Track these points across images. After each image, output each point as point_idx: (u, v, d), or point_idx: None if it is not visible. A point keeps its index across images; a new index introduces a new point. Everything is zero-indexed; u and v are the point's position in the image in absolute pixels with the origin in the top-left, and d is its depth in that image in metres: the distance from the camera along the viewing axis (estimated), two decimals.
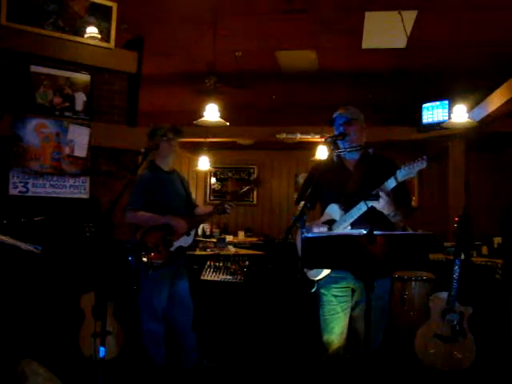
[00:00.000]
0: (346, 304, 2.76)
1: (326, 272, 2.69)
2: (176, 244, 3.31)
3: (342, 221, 2.66)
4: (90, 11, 4.45)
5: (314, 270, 2.69)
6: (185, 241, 3.36)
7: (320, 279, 2.72)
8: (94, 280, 3.66)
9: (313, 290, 2.74)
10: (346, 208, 2.65)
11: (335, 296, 2.75)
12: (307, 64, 5.89)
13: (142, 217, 3.27)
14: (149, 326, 3.31)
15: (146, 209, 3.28)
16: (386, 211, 2.55)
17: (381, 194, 2.49)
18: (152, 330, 3.31)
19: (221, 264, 5.29)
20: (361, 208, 2.58)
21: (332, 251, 2.18)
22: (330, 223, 2.71)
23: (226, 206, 3.44)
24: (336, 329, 2.75)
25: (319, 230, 2.70)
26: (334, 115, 2.86)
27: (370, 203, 2.54)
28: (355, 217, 2.60)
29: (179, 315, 3.43)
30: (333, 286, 2.75)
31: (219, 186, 10.22)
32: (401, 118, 7.28)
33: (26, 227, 3.81)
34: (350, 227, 2.63)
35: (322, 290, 2.78)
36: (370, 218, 2.52)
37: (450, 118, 5.59)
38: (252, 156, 9.95)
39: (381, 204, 2.50)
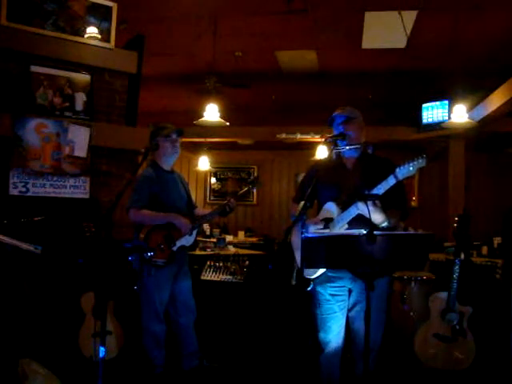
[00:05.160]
0: (343, 303, 2.76)
1: (321, 270, 2.69)
2: (178, 243, 3.31)
3: (339, 219, 2.65)
4: (90, 11, 4.45)
5: (310, 269, 2.69)
6: (187, 240, 3.36)
7: (316, 278, 2.72)
8: (94, 280, 3.66)
9: (309, 289, 2.74)
10: (344, 207, 2.65)
11: (332, 295, 2.75)
12: (307, 64, 5.89)
13: (146, 215, 3.26)
14: (150, 325, 3.31)
15: (149, 207, 3.28)
16: (374, 221, 2.53)
17: (368, 204, 2.44)
18: (153, 330, 3.31)
19: (221, 264, 5.29)
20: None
21: (332, 251, 2.18)
22: (327, 221, 2.70)
23: (226, 207, 3.44)
24: (333, 328, 2.75)
25: (316, 229, 2.70)
26: (333, 115, 2.86)
27: (358, 211, 2.54)
28: (353, 215, 2.59)
29: (181, 315, 3.42)
30: (329, 285, 2.75)
31: (219, 186, 10.23)
32: (401, 118, 7.29)
33: (26, 227, 3.81)
34: (347, 226, 2.63)
35: (319, 289, 2.78)
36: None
37: (449, 118, 5.59)
38: (252, 156, 9.95)
39: (364, 212, 2.46)
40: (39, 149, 4.18)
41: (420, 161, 2.44)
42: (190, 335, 3.45)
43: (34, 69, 4.21)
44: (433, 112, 6.76)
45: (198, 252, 5.69)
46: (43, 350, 3.42)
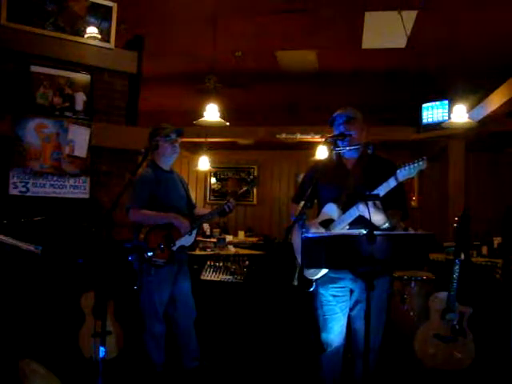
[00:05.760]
0: (344, 304, 2.76)
1: (323, 271, 2.69)
2: (178, 243, 3.31)
3: (340, 221, 2.65)
4: (90, 11, 4.45)
5: (312, 269, 2.69)
6: (186, 240, 3.36)
7: (317, 278, 2.72)
8: (94, 280, 3.66)
9: (311, 290, 2.74)
10: (345, 207, 2.64)
11: (334, 296, 2.75)
12: (307, 64, 5.89)
13: (146, 215, 3.26)
14: (150, 325, 3.31)
15: (149, 207, 3.28)
16: (375, 222, 2.53)
17: (369, 205, 2.43)
18: (153, 330, 3.31)
19: (221, 264, 5.29)
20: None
21: (332, 251, 2.18)
22: (328, 222, 2.70)
23: (225, 206, 3.45)
24: (335, 328, 2.75)
25: (317, 230, 2.70)
26: (334, 115, 2.86)
27: (358, 213, 2.54)
28: (354, 217, 2.59)
29: (181, 315, 3.42)
30: (331, 285, 2.75)
31: (219, 186, 10.22)
32: (401, 118, 7.29)
33: (26, 227, 3.81)
34: (348, 227, 2.63)
35: (321, 290, 2.78)
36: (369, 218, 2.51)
37: (449, 118, 5.59)
38: (252, 156, 9.95)
39: (365, 213, 2.45)
40: (39, 149, 4.18)
41: (420, 163, 2.45)
42: (190, 335, 3.45)
43: (34, 69, 4.21)
44: (433, 112, 6.76)
45: (198, 252, 5.69)
46: (43, 349, 3.42)
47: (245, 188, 3.75)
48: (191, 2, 4.46)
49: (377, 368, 2.79)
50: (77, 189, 4.34)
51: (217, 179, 10.22)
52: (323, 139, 7.03)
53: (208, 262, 5.31)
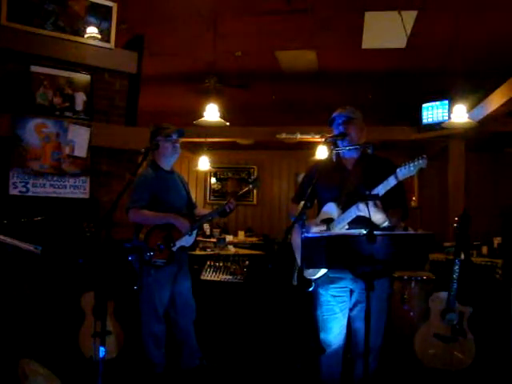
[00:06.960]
0: (344, 304, 2.76)
1: (323, 271, 2.69)
2: (178, 244, 3.31)
3: (340, 220, 2.65)
4: (90, 11, 4.45)
5: (311, 269, 2.69)
6: (187, 240, 3.36)
7: (317, 278, 2.72)
8: (94, 280, 3.66)
9: (310, 289, 2.74)
10: (344, 207, 2.65)
11: (333, 296, 2.75)
12: (307, 64, 5.89)
13: (146, 215, 3.26)
14: (150, 325, 3.31)
15: (149, 207, 3.28)
16: (375, 221, 2.53)
17: (369, 204, 2.44)
18: (153, 330, 3.31)
19: (221, 264, 5.29)
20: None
21: (332, 251, 2.18)
22: (328, 222, 2.70)
23: (226, 207, 3.45)
24: (334, 329, 2.75)
25: (317, 230, 2.70)
26: (334, 115, 2.86)
27: (358, 212, 2.54)
28: (354, 216, 2.59)
29: (181, 315, 3.42)
30: (331, 286, 2.75)
31: (219, 186, 10.23)
32: (401, 118, 7.29)
33: (26, 227, 3.81)
34: (347, 226, 2.63)
35: (320, 290, 2.78)
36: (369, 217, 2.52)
37: (449, 118, 5.59)
38: (252, 156, 9.96)
39: (365, 212, 2.46)
40: (39, 149, 4.18)
41: (420, 161, 2.44)
42: (190, 335, 3.45)
43: (34, 69, 4.21)
44: (433, 112, 6.75)
45: (198, 252, 5.69)
46: (43, 349, 3.42)
47: (246, 188, 3.75)
48: (191, 2, 4.46)
49: (377, 368, 2.79)
50: (77, 189, 4.34)
51: (217, 179, 10.22)
52: (323, 139, 7.03)
53: (208, 262, 5.31)
